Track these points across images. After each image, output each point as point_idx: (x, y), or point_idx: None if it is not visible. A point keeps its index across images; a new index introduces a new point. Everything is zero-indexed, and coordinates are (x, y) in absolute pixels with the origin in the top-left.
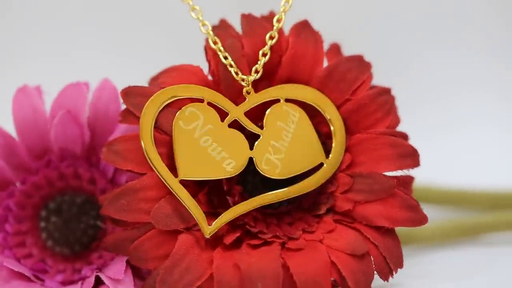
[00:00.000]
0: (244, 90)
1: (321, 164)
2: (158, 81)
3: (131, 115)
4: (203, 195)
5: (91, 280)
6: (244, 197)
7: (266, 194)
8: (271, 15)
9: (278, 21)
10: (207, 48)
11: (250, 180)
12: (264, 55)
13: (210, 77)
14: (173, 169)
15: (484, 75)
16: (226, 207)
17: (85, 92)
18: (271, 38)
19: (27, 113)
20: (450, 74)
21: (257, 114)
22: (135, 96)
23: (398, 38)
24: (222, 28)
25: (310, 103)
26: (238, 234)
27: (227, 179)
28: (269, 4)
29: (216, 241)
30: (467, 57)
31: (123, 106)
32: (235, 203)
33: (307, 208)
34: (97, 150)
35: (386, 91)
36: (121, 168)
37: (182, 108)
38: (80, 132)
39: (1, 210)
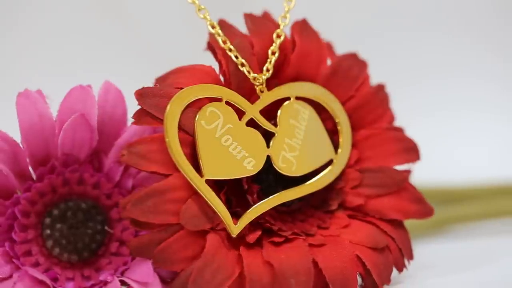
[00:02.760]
0: (258, 88)
1: (331, 160)
2: (168, 81)
3: (148, 116)
4: (223, 194)
5: (116, 284)
6: (259, 196)
7: (286, 191)
8: (266, 15)
9: (283, 19)
10: (216, 48)
11: (264, 178)
12: (273, 53)
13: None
14: (196, 169)
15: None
16: (244, 206)
17: (92, 94)
18: (278, 36)
19: (33, 118)
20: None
21: (268, 112)
22: (152, 97)
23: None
24: (225, 28)
25: (318, 101)
26: (260, 233)
27: (246, 178)
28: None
29: (237, 240)
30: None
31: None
32: (254, 202)
33: (316, 205)
34: (100, 155)
35: (383, 87)
36: (145, 170)
37: (203, 108)
38: (90, 136)
39: (6, 219)
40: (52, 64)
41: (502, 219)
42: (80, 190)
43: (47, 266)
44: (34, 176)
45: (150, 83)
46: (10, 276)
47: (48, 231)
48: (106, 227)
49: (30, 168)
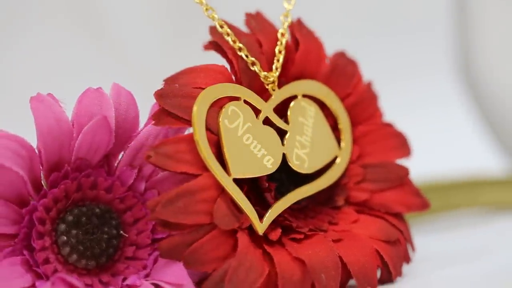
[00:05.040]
0: (270, 87)
1: (336, 156)
2: (181, 81)
3: (169, 117)
4: (244, 194)
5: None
6: (275, 194)
7: (301, 188)
8: (259, 14)
9: (285, 18)
10: (225, 48)
11: (277, 177)
12: (280, 52)
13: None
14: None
15: None
16: (261, 205)
17: (107, 97)
18: (283, 35)
19: (50, 122)
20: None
21: (276, 111)
22: (172, 97)
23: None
24: (229, 28)
25: (320, 98)
26: (280, 230)
27: (264, 176)
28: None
29: (258, 238)
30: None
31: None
32: (272, 200)
33: (322, 201)
34: (110, 158)
35: (371, 85)
36: (173, 171)
37: (225, 107)
38: (108, 139)
39: (22, 227)
40: (50, 68)
41: (466, 211)
42: (93, 195)
43: (64, 273)
44: (43, 182)
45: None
46: (33, 285)
47: (64, 238)
48: (121, 231)
49: (41, 174)
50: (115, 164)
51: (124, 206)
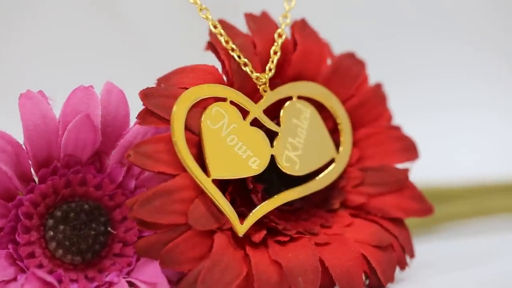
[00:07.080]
0: (261, 88)
1: (332, 159)
2: (171, 82)
3: (153, 116)
4: (228, 194)
5: (123, 285)
6: (263, 196)
7: (290, 190)
8: (264, 15)
9: (284, 19)
10: (218, 48)
11: (267, 178)
12: (275, 53)
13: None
14: (202, 169)
15: None
16: (248, 205)
17: (95, 95)
18: (280, 36)
19: (36, 119)
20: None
21: (270, 112)
22: (157, 97)
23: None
24: (226, 28)
25: (319, 100)
26: (265, 232)
27: (251, 177)
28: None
29: (242, 239)
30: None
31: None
32: (258, 201)
33: (318, 204)
34: (102, 156)
35: (381, 86)
36: (151, 170)
37: (208, 108)
38: (93, 137)
39: (8, 221)
40: (50, 66)
41: (493, 217)
42: (82, 191)
43: (50, 268)
44: (35, 178)
45: (146, 84)
46: (15, 279)
47: (51, 233)
48: (109, 228)
49: (32, 170)
50: (107, 162)
51: (114, 203)
